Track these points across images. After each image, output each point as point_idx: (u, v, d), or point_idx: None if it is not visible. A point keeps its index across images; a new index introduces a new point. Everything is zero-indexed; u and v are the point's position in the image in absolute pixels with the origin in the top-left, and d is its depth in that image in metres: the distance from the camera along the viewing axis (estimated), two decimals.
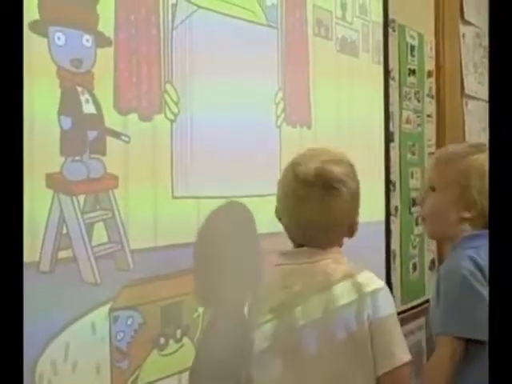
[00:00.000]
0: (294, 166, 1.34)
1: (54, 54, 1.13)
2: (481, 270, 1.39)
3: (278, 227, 1.56)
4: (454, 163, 1.50)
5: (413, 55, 2.59)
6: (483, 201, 1.43)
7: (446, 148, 1.63)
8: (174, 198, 1.38)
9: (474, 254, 1.42)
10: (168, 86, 1.36)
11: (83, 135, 1.19)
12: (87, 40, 1.19)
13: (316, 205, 1.29)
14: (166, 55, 1.35)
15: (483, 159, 1.46)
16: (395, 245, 2.45)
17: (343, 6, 1.98)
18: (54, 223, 1.13)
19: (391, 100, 2.35)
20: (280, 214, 1.38)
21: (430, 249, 2.79)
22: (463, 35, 3.03)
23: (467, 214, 1.48)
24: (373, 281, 1.32)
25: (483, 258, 1.40)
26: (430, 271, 2.78)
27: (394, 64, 2.41)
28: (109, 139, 1.23)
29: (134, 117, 1.28)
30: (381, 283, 1.33)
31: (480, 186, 1.45)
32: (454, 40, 2.93)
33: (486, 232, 1.24)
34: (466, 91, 3.05)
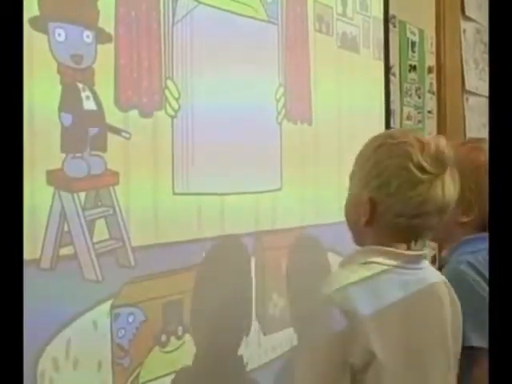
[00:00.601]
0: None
1: (54, 51, 1.12)
2: (481, 275, 1.33)
3: (278, 224, 1.56)
4: None
5: (413, 51, 2.59)
6: (481, 202, 1.34)
7: None
8: (175, 194, 1.37)
9: (473, 259, 1.35)
10: (169, 82, 1.36)
11: (84, 132, 1.18)
12: (87, 36, 1.18)
13: None
14: (166, 51, 1.35)
15: (477, 157, 1.37)
16: None
17: (344, 2, 1.97)
18: (54, 220, 1.13)
19: (392, 96, 2.35)
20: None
21: (431, 245, 2.79)
22: (464, 31, 3.02)
23: (465, 219, 1.40)
24: None
25: (481, 262, 1.34)
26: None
27: (394, 60, 2.40)
28: (109, 136, 1.22)
29: (134, 113, 1.28)
30: None
31: (476, 187, 1.36)
32: (455, 36, 2.93)
33: (486, 235, 1.18)
34: (467, 87, 3.05)
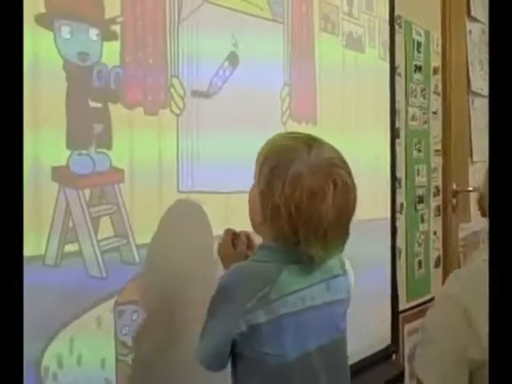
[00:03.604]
0: None
1: (60, 48, 1.13)
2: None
3: None
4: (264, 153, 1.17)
5: (419, 52, 2.59)
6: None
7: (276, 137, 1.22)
8: (180, 192, 1.38)
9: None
10: (174, 80, 1.36)
11: (89, 129, 1.18)
12: (93, 33, 1.18)
13: None
14: (172, 49, 1.35)
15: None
16: (401, 242, 2.44)
17: (350, 2, 1.97)
18: (59, 217, 1.13)
19: (397, 96, 2.34)
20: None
21: (436, 246, 2.78)
22: (470, 32, 3.02)
23: (258, 218, 1.16)
24: None
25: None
26: (436, 269, 2.78)
27: (400, 60, 2.40)
28: (114, 133, 1.22)
29: (139, 111, 1.28)
30: None
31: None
32: (461, 37, 2.92)
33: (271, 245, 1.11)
34: (472, 88, 3.04)
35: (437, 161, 2.76)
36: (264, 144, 1.18)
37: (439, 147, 2.79)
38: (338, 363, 1.21)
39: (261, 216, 1.14)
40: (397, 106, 2.34)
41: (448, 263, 2.83)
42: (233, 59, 1.52)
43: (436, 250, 2.78)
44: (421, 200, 2.62)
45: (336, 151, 1.16)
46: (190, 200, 1.39)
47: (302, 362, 1.12)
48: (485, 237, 3.16)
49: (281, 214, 1.09)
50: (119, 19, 1.23)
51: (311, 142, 1.15)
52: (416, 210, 2.59)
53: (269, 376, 1.11)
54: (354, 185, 1.13)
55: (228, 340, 1.10)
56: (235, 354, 1.13)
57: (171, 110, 1.36)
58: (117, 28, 1.23)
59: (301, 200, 1.08)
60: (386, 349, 2.25)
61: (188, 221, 1.41)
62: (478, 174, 3.05)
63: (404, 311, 2.48)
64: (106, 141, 1.21)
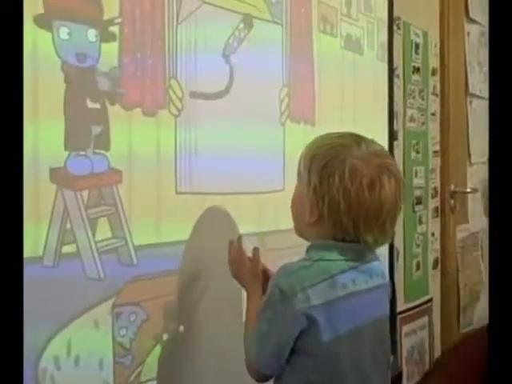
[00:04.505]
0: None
1: (58, 49, 1.12)
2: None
3: (281, 225, 1.56)
4: (315, 151, 1.19)
5: (417, 53, 2.59)
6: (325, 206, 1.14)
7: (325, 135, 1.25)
8: (178, 193, 1.37)
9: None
10: (172, 82, 1.36)
11: (87, 130, 1.18)
12: (92, 34, 1.18)
13: None
14: (170, 50, 1.35)
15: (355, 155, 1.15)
16: (399, 243, 2.44)
17: (348, 3, 1.97)
18: (57, 218, 1.13)
19: (395, 98, 2.34)
20: None
21: (434, 248, 2.79)
22: (468, 33, 3.02)
23: (307, 218, 1.19)
24: None
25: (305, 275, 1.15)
26: (434, 270, 2.78)
27: (398, 62, 2.40)
28: (113, 134, 1.22)
29: (138, 112, 1.28)
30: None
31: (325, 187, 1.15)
32: (459, 38, 2.93)
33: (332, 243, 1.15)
34: (471, 90, 3.04)
35: (435, 162, 2.77)
36: (305, 148, 1.23)
37: (437, 148, 2.79)
38: (381, 341, 1.26)
39: (314, 214, 1.17)
40: (395, 107, 2.34)
41: (446, 264, 2.83)
42: (248, 21, 1.53)
43: (434, 251, 2.78)
44: (419, 201, 2.62)
45: (379, 144, 1.24)
46: (188, 201, 1.39)
47: (351, 337, 1.16)
48: (483, 238, 3.16)
49: (340, 207, 1.14)
50: (118, 20, 1.23)
51: (356, 137, 1.21)
52: (414, 211, 2.59)
53: (321, 352, 1.14)
54: (401, 174, 1.22)
55: (290, 339, 1.13)
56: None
57: (169, 111, 1.35)
58: (115, 29, 1.23)
59: (361, 191, 1.13)
60: None
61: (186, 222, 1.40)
62: (476, 175, 3.06)
63: (402, 312, 2.48)
64: (104, 142, 1.21)
